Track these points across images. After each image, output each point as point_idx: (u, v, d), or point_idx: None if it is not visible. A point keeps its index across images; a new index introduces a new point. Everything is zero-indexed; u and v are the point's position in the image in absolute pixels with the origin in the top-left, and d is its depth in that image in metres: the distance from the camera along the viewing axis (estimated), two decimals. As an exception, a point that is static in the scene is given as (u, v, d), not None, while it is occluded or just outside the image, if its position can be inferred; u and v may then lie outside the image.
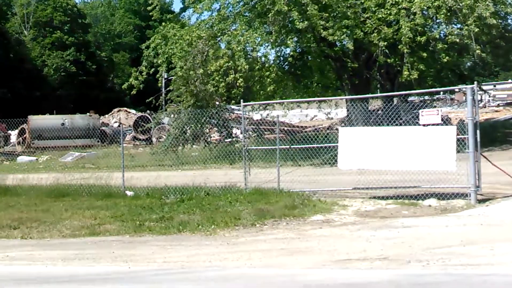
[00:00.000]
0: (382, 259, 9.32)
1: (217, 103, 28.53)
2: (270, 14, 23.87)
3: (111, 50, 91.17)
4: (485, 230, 11.10)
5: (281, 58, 29.60)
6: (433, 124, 14.22)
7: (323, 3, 23.81)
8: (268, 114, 28.83)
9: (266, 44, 25.86)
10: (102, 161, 28.02)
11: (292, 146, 18.58)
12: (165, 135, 36.32)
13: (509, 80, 74.61)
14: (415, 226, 11.75)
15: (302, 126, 43.12)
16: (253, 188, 15.71)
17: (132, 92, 29.27)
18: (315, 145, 18.04)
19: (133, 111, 55.38)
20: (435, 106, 26.46)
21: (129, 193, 17.10)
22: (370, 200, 14.60)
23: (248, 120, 20.41)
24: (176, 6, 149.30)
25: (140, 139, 45.46)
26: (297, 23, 23.64)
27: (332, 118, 33.72)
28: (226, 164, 22.56)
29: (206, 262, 9.80)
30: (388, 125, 15.99)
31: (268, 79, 25.87)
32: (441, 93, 51.59)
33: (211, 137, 30.51)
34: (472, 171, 13.71)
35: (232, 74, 25.25)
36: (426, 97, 37.92)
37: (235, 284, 8.52)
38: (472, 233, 10.85)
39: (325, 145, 17.41)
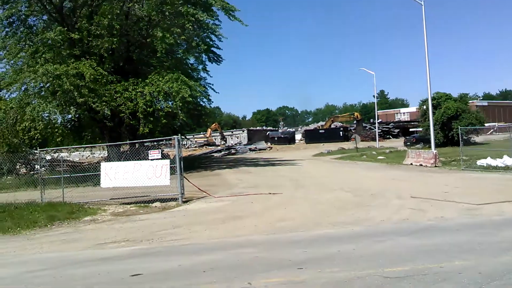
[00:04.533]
0: (126, 241, 9.31)
1: (24, 148, 26.51)
2: (58, 93, 23.05)
3: None
4: (186, 219, 11.57)
5: (65, 121, 28.53)
6: (157, 159, 14.62)
7: (92, 88, 23.22)
8: (58, 155, 26.95)
9: (55, 111, 24.50)
10: None
11: (72, 175, 17.52)
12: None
13: (201, 133, 78.90)
14: (146, 219, 11.85)
15: (80, 162, 40.40)
16: (47, 202, 14.48)
17: None
18: (87, 174, 17.35)
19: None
20: (159, 148, 26.77)
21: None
22: (121, 205, 14.37)
23: (44, 159, 18.96)
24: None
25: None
26: (78, 99, 22.90)
27: (97, 157, 32.43)
28: (31, 188, 20.23)
29: (11, 252, 8.96)
30: (133, 160, 15.98)
31: (57, 134, 25.00)
32: (164, 140, 52.30)
33: (20, 171, 27.57)
34: (179, 185, 14.21)
35: (33, 130, 23.95)
36: (155, 143, 38.14)
37: (31, 264, 7.90)
38: (179, 221, 11.24)
39: (94, 173, 16.63)
